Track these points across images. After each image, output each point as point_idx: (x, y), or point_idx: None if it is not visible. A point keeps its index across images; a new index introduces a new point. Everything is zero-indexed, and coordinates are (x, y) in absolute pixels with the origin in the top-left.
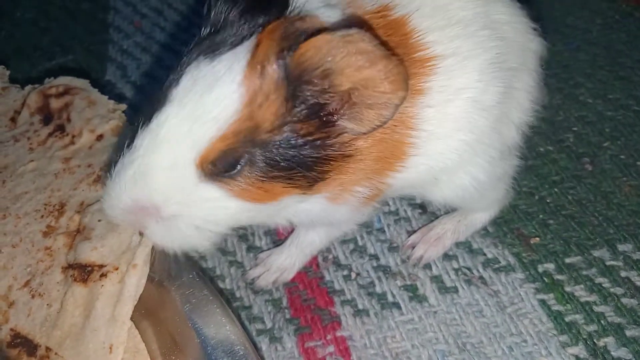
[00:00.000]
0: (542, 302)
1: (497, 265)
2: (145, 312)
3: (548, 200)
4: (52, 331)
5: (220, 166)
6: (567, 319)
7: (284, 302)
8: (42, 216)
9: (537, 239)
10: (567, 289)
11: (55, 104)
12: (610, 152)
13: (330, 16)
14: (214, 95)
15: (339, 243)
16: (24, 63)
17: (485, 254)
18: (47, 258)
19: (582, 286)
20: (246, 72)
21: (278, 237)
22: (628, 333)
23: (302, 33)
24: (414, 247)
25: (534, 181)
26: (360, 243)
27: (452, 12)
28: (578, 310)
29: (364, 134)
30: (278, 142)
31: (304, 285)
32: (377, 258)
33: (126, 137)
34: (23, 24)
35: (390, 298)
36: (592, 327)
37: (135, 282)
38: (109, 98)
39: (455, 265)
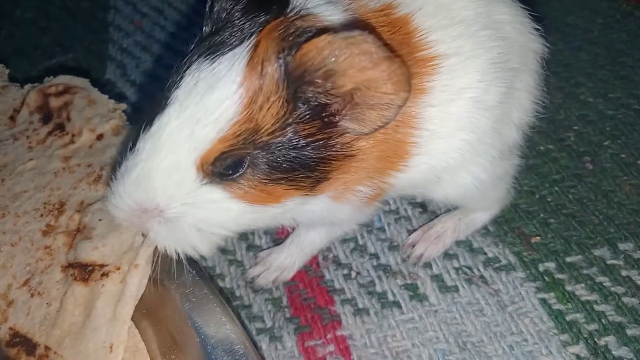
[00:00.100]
0: (543, 301)
1: (497, 264)
2: (145, 311)
3: (549, 199)
4: (52, 330)
5: (221, 168)
6: (567, 318)
7: (284, 301)
8: (42, 215)
9: (538, 237)
10: (568, 288)
11: (54, 102)
12: (610, 151)
13: (331, 14)
14: (214, 97)
15: (339, 242)
16: (24, 62)
17: (485, 253)
18: (47, 257)
19: (582, 285)
20: (246, 72)
21: (278, 236)
22: (629, 332)
23: (302, 32)
24: (414, 246)
25: (534, 180)
26: (360, 242)
27: (455, 11)
28: (579, 309)
29: (366, 134)
30: (280, 144)
31: (304, 284)
32: (377, 257)
33: (129, 139)
34: (23, 23)
35: (390, 297)
36: (592, 326)
37: (137, 282)
38: (109, 97)
39: (456, 264)
